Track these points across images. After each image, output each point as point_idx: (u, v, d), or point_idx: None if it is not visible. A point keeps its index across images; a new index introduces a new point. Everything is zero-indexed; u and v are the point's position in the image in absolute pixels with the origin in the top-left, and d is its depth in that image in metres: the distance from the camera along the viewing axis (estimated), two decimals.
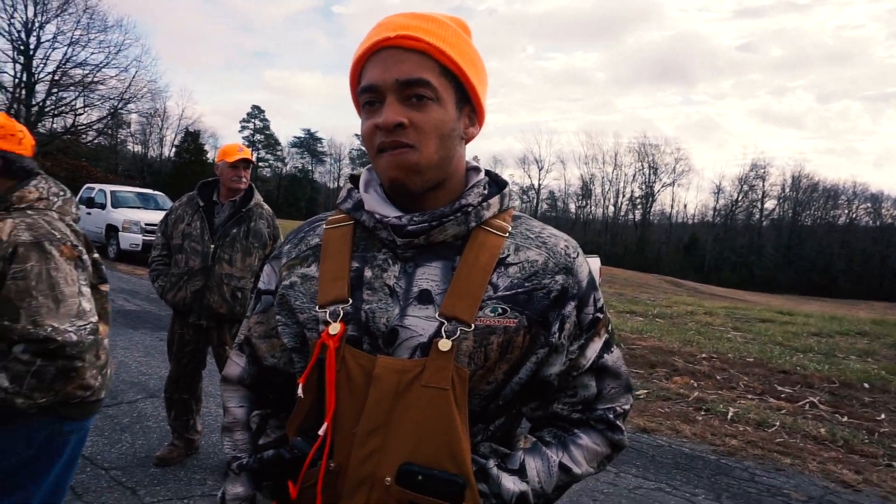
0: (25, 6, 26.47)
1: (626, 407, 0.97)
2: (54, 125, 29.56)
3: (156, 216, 12.96)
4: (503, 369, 0.86)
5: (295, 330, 0.93)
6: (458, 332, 0.82)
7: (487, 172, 0.99)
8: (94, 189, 14.96)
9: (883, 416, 5.37)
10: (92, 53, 27.81)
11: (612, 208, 62.12)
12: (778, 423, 4.94)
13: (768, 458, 4.23)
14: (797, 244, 57.03)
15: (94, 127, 30.39)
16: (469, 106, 0.91)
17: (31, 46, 27.11)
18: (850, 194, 59.38)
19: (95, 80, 28.15)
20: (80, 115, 29.20)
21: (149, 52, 71.11)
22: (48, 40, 27.28)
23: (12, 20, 26.35)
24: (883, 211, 59.44)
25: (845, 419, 5.24)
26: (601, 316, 0.94)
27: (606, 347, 0.94)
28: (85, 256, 1.68)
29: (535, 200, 63.75)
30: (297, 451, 0.88)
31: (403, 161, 0.84)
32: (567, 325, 0.89)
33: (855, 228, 58.67)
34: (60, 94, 28.46)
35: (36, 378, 1.47)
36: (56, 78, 27.73)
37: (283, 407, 1.00)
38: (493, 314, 0.84)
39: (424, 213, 0.87)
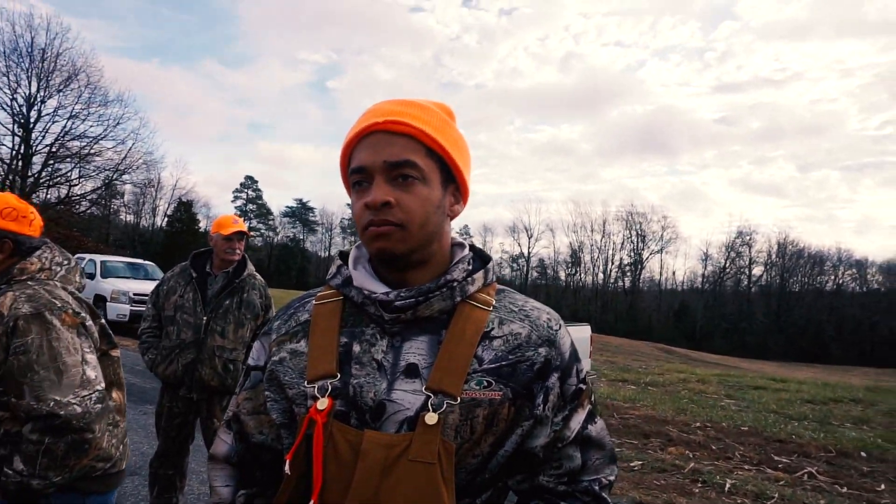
0: (29, 82, 27.19)
1: (612, 478, 0.97)
2: (48, 196, 29.80)
3: (145, 286, 12.92)
4: (489, 442, 0.87)
5: (283, 405, 0.94)
6: (445, 405, 0.83)
7: (472, 247, 1.03)
8: (84, 259, 14.94)
9: (883, 486, 5.28)
10: (91, 126, 28.33)
11: (601, 275, 62.52)
12: (777, 495, 4.84)
13: None
14: (786, 310, 57.28)
15: (88, 197, 30.63)
16: (454, 184, 0.96)
17: (32, 120, 27.64)
18: (836, 260, 60.30)
19: (92, 151, 28.59)
20: (75, 185, 29.51)
21: (147, 124, 72.67)
22: (48, 114, 27.80)
23: (15, 94, 27.00)
24: (869, 276, 60.22)
25: (845, 490, 5.14)
26: (584, 387, 0.95)
27: (590, 418, 0.96)
28: (89, 323, 1.67)
29: (525, 268, 64.12)
30: None
31: (388, 234, 0.88)
32: (551, 396, 0.91)
33: (842, 294, 59.18)
34: (56, 165, 28.81)
35: (47, 457, 1.44)
36: (54, 150, 28.14)
37: (270, 485, 0.99)
38: (478, 387, 0.86)
39: (411, 288, 0.90)
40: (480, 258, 1.02)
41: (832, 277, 60.55)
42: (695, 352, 34.89)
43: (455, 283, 0.92)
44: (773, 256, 61.20)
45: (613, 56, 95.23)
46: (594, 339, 7.57)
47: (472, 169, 1.01)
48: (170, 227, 45.25)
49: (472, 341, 0.88)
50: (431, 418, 0.82)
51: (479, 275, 0.96)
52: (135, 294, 12.87)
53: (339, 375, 0.88)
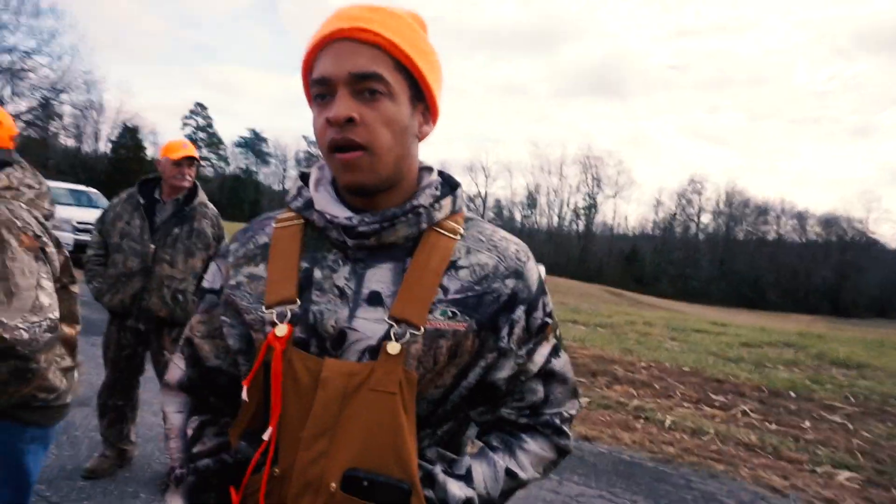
0: None
1: (572, 412, 0.97)
2: None
3: (89, 214, 12.35)
4: (452, 373, 0.85)
5: (240, 331, 0.91)
6: (408, 335, 0.81)
7: (440, 173, 0.98)
8: None
9: (808, 423, 5.65)
10: (22, 39, 26.35)
11: (556, 218, 63.43)
12: (712, 431, 5.12)
13: (703, 465, 4.37)
14: (730, 258, 59.69)
15: (23, 118, 28.77)
16: (423, 104, 0.88)
17: None
18: (779, 211, 62.74)
19: (25, 67, 26.68)
20: (7, 104, 27.61)
21: (85, 40, 67.92)
22: None
23: None
24: (808, 228, 63.00)
25: (774, 427, 5.49)
26: (550, 321, 0.94)
27: (554, 352, 0.94)
28: (50, 250, 1.55)
29: (481, 208, 64.34)
30: (241, 457, 0.86)
31: (357, 165, 0.82)
32: (516, 329, 0.89)
33: (783, 244, 61.94)
34: None
35: None
36: None
37: (224, 412, 0.97)
38: (442, 317, 0.83)
39: (376, 213, 0.86)
40: (449, 184, 0.96)
41: (775, 227, 63.15)
42: (642, 295, 36.19)
43: (422, 209, 0.87)
44: (721, 205, 63.19)
45: None
46: (547, 281, 7.71)
47: (442, 88, 0.92)
48: (114, 154, 43.08)
49: (437, 270, 0.85)
50: (394, 348, 0.80)
51: (447, 201, 0.91)
52: (78, 223, 12.29)
53: (298, 302, 0.85)
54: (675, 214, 63.44)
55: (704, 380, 7.11)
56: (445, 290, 0.85)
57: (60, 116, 38.56)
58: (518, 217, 65.93)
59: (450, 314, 0.83)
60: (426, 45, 0.88)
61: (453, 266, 0.87)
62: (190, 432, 0.95)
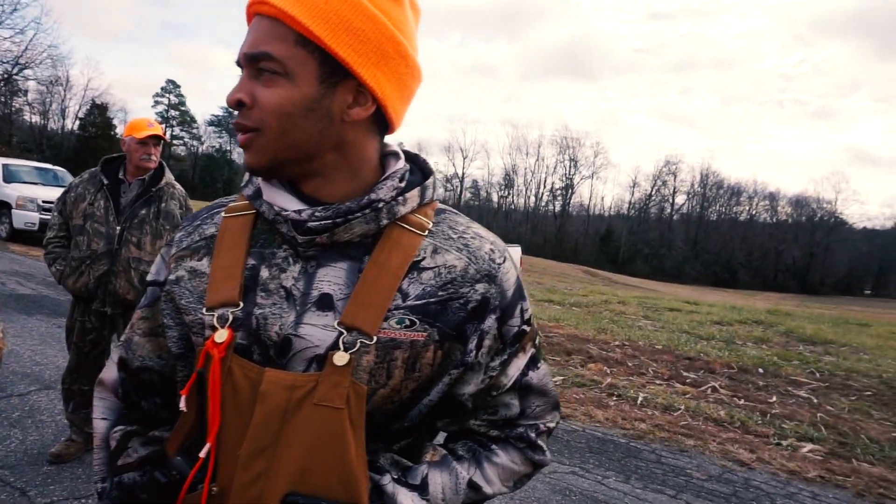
0: None
1: (551, 425, 0.88)
2: None
3: (55, 193, 11.99)
4: (410, 388, 0.77)
5: (180, 332, 0.83)
6: (358, 344, 0.73)
7: (412, 158, 0.88)
8: None
9: (774, 398, 5.80)
10: None
11: (533, 199, 63.64)
12: (683, 407, 5.23)
13: (673, 441, 4.47)
14: (703, 238, 60.69)
15: None
16: (353, 81, 0.75)
17: None
18: (752, 192, 63.81)
19: None
20: None
21: (49, 14, 65.41)
22: None
23: None
24: (779, 208, 64.24)
25: (742, 402, 5.62)
26: (528, 329, 0.84)
27: (532, 363, 0.85)
28: None
29: (458, 189, 64.27)
30: (177, 473, 0.79)
31: (248, 147, 0.75)
32: (486, 340, 0.79)
33: (754, 224, 63.11)
34: None
35: None
36: None
37: (159, 420, 0.88)
38: (398, 326, 0.75)
39: (329, 207, 0.76)
40: (421, 171, 0.86)
41: (747, 208, 64.26)
42: (617, 275, 36.64)
43: (381, 204, 0.78)
44: (696, 186, 64.02)
45: None
46: (523, 262, 7.74)
47: (413, 67, 0.79)
48: (82, 132, 41.89)
49: (397, 272, 0.76)
50: (341, 358, 0.72)
51: (415, 193, 0.80)
52: (44, 201, 11.96)
53: (242, 304, 0.77)
54: (650, 195, 64.15)
55: (676, 357, 7.24)
56: (405, 295, 0.76)
57: (25, 92, 37.33)
58: (495, 198, 66.01)
59: (407, 322, 0.75)
60: (358, 14, 0.73)
61: (416, 267, 0.77)
62: (113, 443, 0.87)
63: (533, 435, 0.86)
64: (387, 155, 0.84)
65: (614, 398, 5.44)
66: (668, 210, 64.31)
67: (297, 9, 0.71)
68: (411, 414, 0.79)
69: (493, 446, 0.85)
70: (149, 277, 0.91)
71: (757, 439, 4.63)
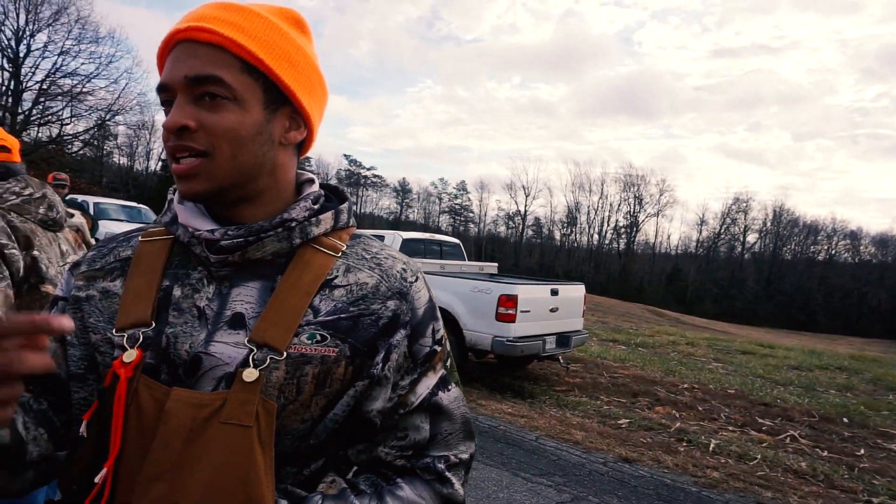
0: (17, 14, 26.35)
1: (464, 456, 0.84)
2: (39, 134, 29.30)
3: None
4: (320, 404, 0.76)
5: (82, 352, 0.80)
6: (268, 360, 0.72)
7: (328, 187, 0.91)
8: (76, 200, 14.78)
9: (862, 451, 5.39)
10: (82, 64, 27.62)
11: (596, 236, 62.64)
12: (759, 456, 4.93)
13: (749, 491, 4.21)
14: (777, 278, 57.83)
15: (80, 137, 30.16)
16: (290, 107, 0.80)
17: (21, 54, 26.93)
18: (830, 230, 60.56)
19: (84, 90, 27.98)
20: (67, 125, 28.97)
21: (140, 64, 70.97)
22: (38, 49, 27.12)
23: (3, 27, 26.22)
24: (861, 248, 60.60)
25: (825, 454, 5.25)
26: (438, 349, 0.84)
27: (443, 384, 0.84)
28: (9, 251, 1.56)
29: (521, 226, 64.14)
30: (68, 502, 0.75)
31: (193, 173, 0.75)
32: (394, 355, 0.79)
33: (834, 264, 59.68)
34: (47, 103, 28.22)
35: None
36: (44, 87, 27.53)
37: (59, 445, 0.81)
38: (309, 341, 0.75)
39: (241, 226, 0.77)
40: (338, 197, 0.89)
41: (825, 247, 60.95)
42: (685, 315, 35.32)
43: (294, 223, 0.79)
44: (769, 224, 61.40)
45: (612, 16, 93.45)
46: (587, 300, 7.60)
47: (326, 93, 0.86)
48: (163, 172, 44.66)
49: (308, 290, 0.77)
50: (250, 375, 0.71)
51: (328, 215, 0.83)
52: None
53: (153, 324, 0.76)
54: (719, 233, 61.95)
55: (750, 403, 6.87)
56: (316, 311, 0.76)
57: (115, 136, 40.30)
58: (557, 235, 65.41)
59: (318, 338, 0.75)
60: (289, 45, 0.78)
61: (328, 285, 0.78)
62: None
63: (442, 466, 0.82)
64: (303, 181, 0.88)
65: (684, 443, 5.20)
66: (739, 249, 61.83)
67: (244, 38, 0.75)
68: (317, 430, 0.77)
69: (399, 480, 0.80)
70: (57, 293, 0.88)
71: (843, 495, 4.31)
